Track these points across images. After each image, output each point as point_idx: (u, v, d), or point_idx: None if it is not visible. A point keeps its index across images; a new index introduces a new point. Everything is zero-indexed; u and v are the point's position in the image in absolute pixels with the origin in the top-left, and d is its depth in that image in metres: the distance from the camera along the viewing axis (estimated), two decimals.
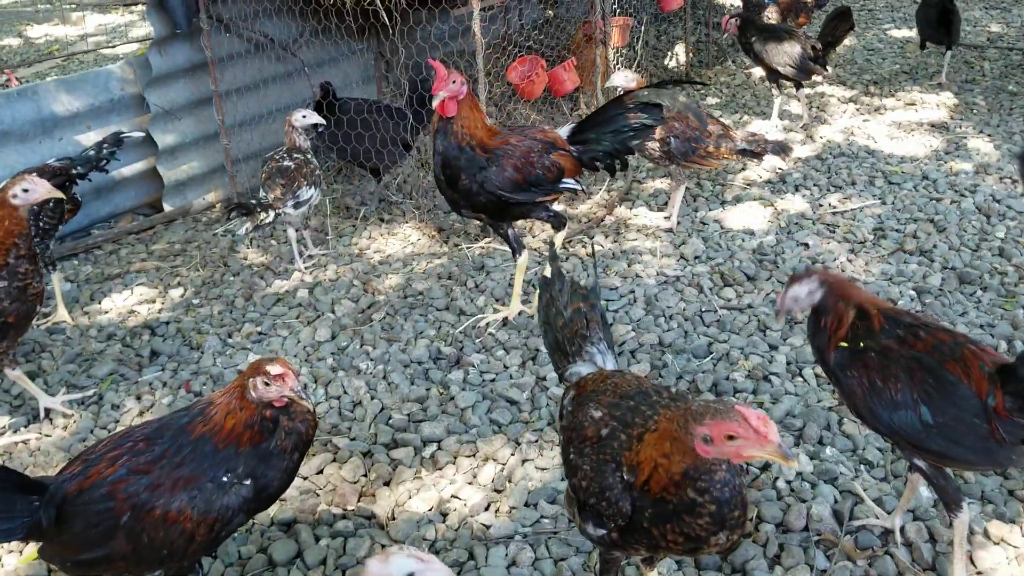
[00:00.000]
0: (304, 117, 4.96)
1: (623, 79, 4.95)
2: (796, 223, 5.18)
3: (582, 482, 2.29)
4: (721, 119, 5.53)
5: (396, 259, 5.09)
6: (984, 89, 7.23)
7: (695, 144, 4.93)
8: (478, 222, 5.02)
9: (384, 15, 5.38)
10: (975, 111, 6.73)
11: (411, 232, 5.40)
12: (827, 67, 6.65)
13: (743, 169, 5.90)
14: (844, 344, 2.80)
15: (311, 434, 2.65)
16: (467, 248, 5.12)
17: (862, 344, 2.75)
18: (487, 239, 5.20)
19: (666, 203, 5.46)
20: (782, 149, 5.18)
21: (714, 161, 5.03)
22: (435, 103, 3.81)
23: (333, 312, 4.57)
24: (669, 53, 8.50)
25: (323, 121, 5.06)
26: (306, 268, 5.02)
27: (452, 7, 5.43)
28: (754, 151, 5.11)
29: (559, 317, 2.79)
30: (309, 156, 4.96)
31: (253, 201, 4.84)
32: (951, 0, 7.02)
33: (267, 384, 2.49)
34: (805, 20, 7.88)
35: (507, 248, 5.06)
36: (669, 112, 5.02)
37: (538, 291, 2.95)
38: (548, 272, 2.91)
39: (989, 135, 6.22)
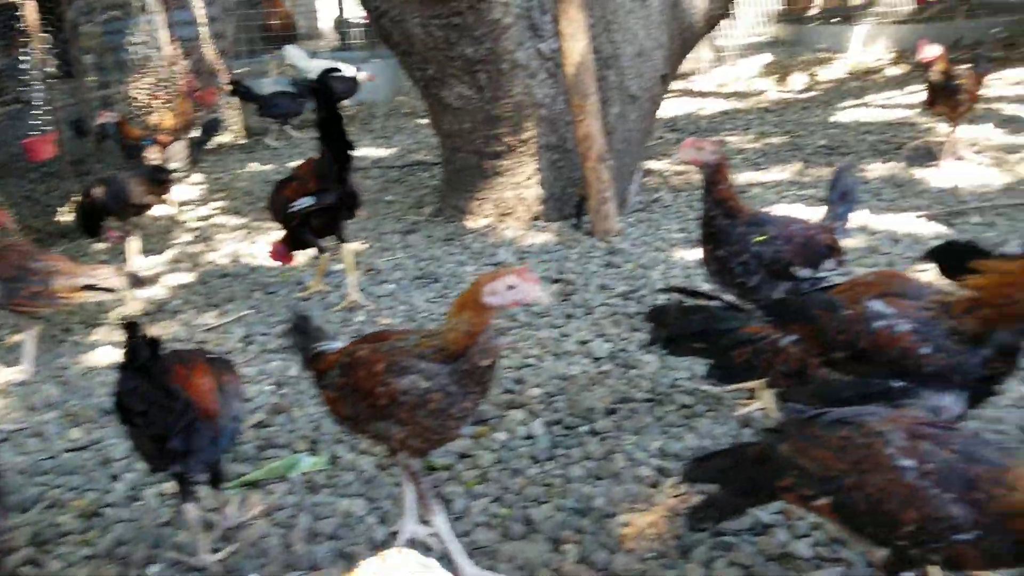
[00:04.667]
0: None
1: None
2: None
3: None
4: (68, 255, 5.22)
5: None
6: (367, 201, 8.05)
7: (20, 284, 4.52)
8: None
9: None
10: (358, 222, 7.42)
11: None
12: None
13: (119, 305, 5.63)
14: None
15: None
16: None
17: None
18: None
19: None
20: (138, 281, 5.07)
21: (52, 303, 4.66)
22: None
23: None
24: (66, 207, 7.98)
25: None
26: None
27: None
28: (104, 287, 4.88)
29: None
30: None
31: None
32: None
33: None
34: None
35: None
36: None
37: None
38: None
39: (366, 239, 6.87)
